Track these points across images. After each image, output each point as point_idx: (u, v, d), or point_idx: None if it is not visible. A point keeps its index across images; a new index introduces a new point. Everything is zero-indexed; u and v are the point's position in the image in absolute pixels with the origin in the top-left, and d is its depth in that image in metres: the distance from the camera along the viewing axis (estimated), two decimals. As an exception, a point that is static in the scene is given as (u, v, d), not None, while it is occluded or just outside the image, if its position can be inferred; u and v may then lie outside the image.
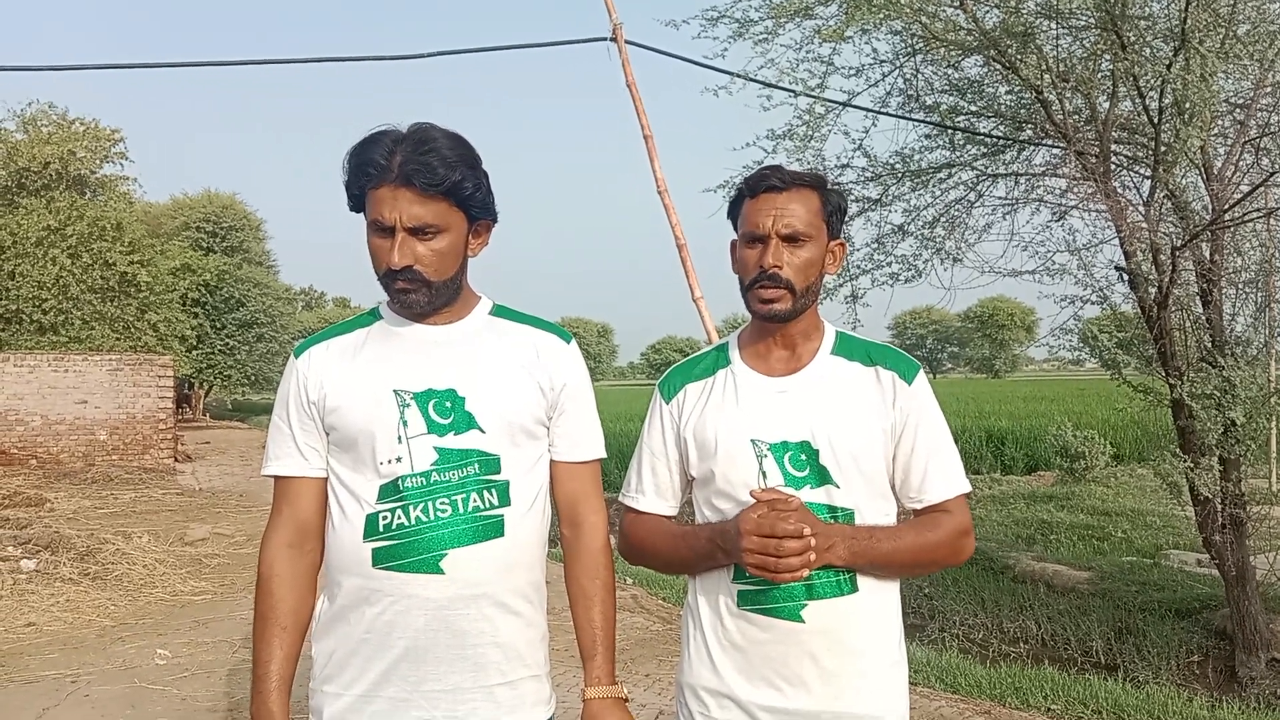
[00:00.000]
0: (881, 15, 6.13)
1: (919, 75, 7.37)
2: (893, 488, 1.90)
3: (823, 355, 1.93)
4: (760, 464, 1.84)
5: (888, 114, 7.42)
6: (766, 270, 1.84)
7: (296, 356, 1.93)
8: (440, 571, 1.76)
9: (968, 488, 1.91)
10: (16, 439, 17.28)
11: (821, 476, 1.82)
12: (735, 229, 1.96)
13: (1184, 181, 6.74)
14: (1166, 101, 5.78)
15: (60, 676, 5.56)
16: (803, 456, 1.83)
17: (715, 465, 1.89)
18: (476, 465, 1.81)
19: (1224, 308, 6.75)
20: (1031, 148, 7.59)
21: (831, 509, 1.82)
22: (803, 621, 1.79)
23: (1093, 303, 6.89)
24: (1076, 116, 6.82)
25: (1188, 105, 5.50)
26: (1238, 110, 6.80)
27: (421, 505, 1.77)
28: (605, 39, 6.92)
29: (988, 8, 6.36)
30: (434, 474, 1.78)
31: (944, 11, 6.35)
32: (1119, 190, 6.75)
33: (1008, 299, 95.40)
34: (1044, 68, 6.23)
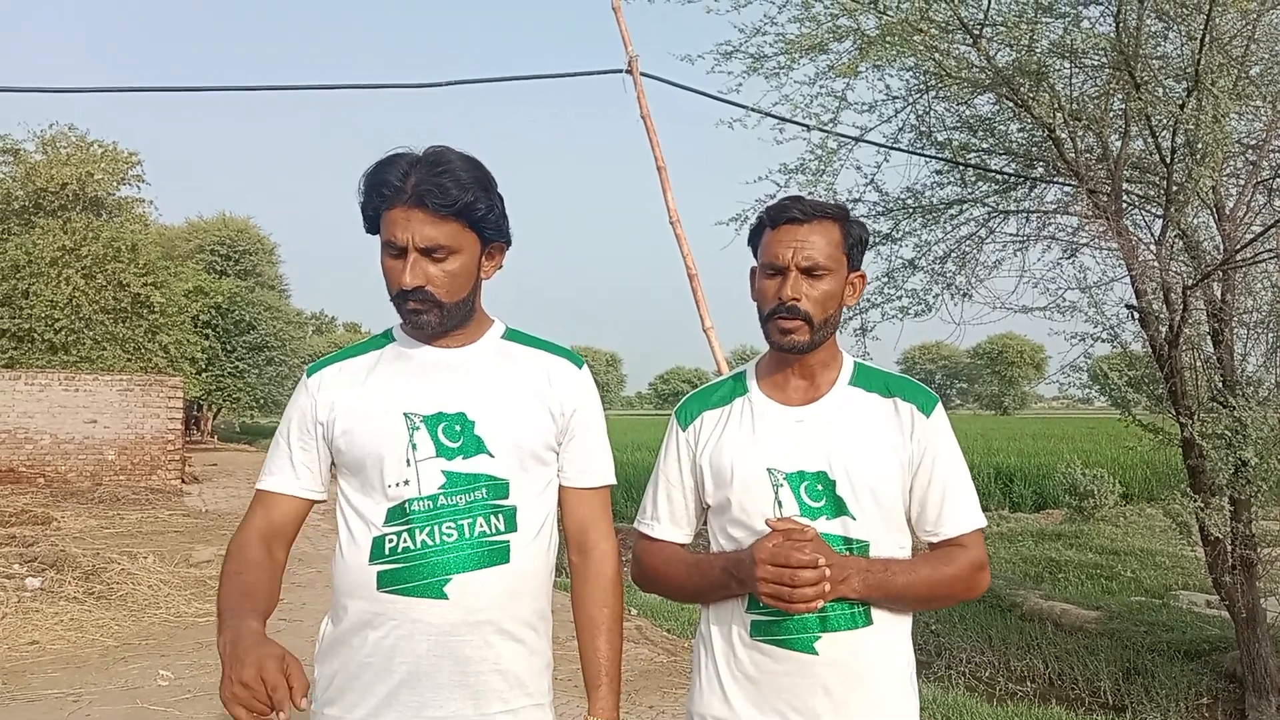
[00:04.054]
0: (894, 52, 6.18)
1: (931, 112, 7.41)
2: (908, 520, 1.88)
3: (841, 385, 1.92)
4: (776, 493, 1.83)
5: (900, 149, 7.46)
6: (785, 303, 1.83)
7: (309, 375, 1.92)
8: (444, 596, 1.75)
9: (983, 522, 1.89)
10: (25, 457, 17.34)
11: (838, 507, 1.81)
12: (755, 257, 1.95)
13: (1195, 221, 6.75)
14: (1179, 141, 5.80)
15: (63, 696, 5.55)
16: (819, 487, 1.82)
17: (731, 494, 1.88)
18: (484, 490, 1.80)
19: (1235, 348, 6.73)
20: (1043, 185, 7.62)
21: (847, 540, 1.81)
22: (816, 653, 1.78)
23: (1103, 340, 6.87)
24: (1088, 155, 6.85)
25: (1200, 145, 5.52)
26: (1250, 151, 6.82)
27: (428, 529, 1.76)
28: (621, 71, 6.98)
29: (1000, 46, 6.40)
30: (441, 498, 1.77)
31: (956, 49, 6.39)
32: (1130, 229, 6.76)
33: (1017, 336, 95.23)
34: (1056, 106, 6.25)
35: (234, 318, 34.43)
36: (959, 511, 1.86)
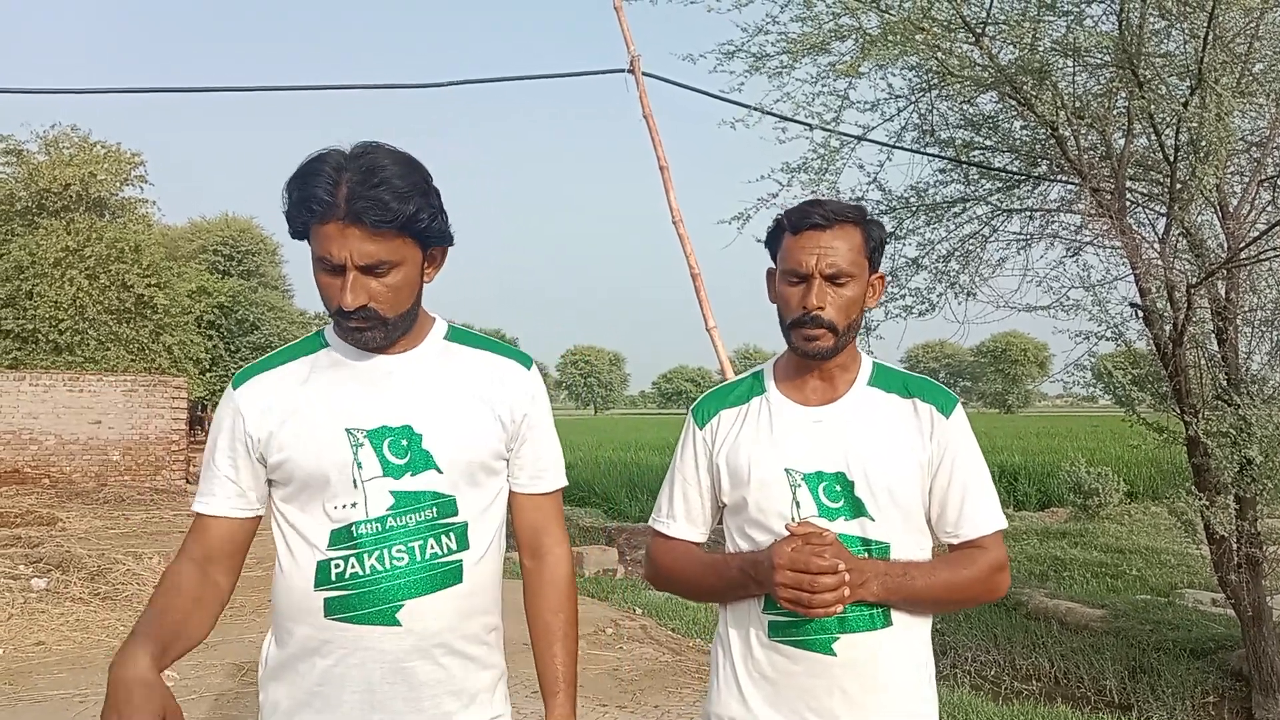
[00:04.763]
0: (897, 51, 6.18)
1: (934, 110, 7.41)
2: (928, 521, 1.87)
3: (859, 386, 1.90)
4: (794, 494, 1.82)
5: (903, 148, 7.47)
6: (810, 311, 1.81)
7: (235, 387, 1.78)
8: (397, 623, 1.67)
9: (1004, 523, 1.87)
10: (30, 458, 17.37)
11: (856, 508, 1.80)
12: (773, 259, 1.93)
13: (1199, 219, 6.75)
14: (1182, 139, 5.80)
15: (68, 696, 5.55)
16: (837, 488, 1.81)
17: (748, 493, 1.86)
18: (434, 509, 1.71)
19: (1240, 346, 6.73)
20: (1046, 183, 7.62)
21: (866, 541, 1.80)
22: (834, 655, 1.77)
23: (1107, 339, 6.88)
24: (1092, 153, 6.85)
25: (1203, 143, 5.51)
26: (1254, 148, 6.82)
27: (377, 554, 1.66)
28: (623, 70, 6.99)
29: (1003, 44, 6.40)
30: (390, 519, 1.68)
31: (959, 48, 6.38)
32: (1134, 227, 6.76)
33: (1021, 334, 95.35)
34: (1059, 104, 6.25)
35: (237, 318, 34.42)
36: (979, 512, 1.84)
